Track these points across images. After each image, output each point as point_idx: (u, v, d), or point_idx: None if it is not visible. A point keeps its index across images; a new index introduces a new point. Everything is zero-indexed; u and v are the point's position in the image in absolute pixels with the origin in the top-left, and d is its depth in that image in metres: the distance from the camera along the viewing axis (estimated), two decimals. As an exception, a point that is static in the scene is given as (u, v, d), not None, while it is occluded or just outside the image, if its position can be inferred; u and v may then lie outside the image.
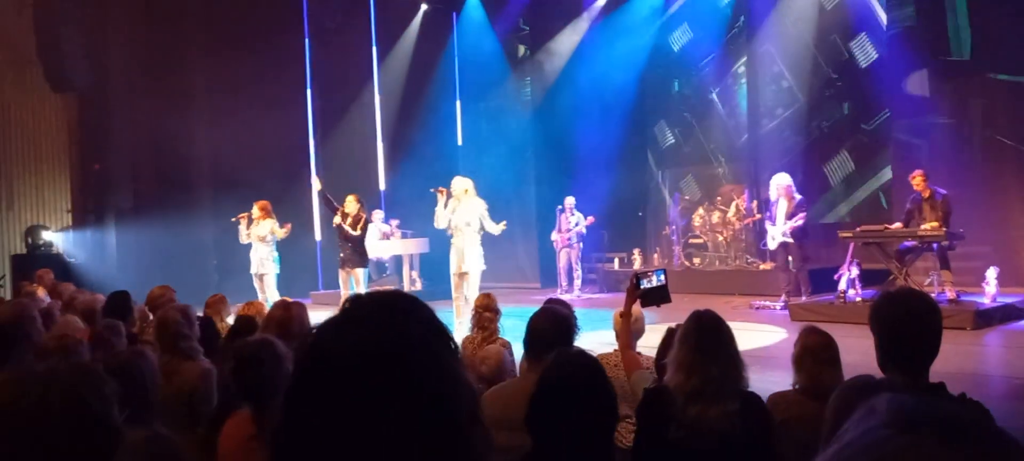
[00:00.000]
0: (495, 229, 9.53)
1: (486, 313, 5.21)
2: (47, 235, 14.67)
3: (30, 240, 14.57)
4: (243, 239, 11.29)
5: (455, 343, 1.03)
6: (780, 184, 10.85)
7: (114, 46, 15.18)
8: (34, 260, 13.17)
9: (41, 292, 7.89)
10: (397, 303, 1.02)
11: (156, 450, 2.73)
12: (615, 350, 4.42)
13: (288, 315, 4.19)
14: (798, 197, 10.84)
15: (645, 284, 3.96)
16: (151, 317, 5.69)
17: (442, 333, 1.02)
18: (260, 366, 2.91)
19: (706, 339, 2.93)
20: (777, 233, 10.85)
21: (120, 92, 15.31)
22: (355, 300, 1.04)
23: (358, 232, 10.42)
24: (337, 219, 10.54)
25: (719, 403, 2.81)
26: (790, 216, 10.70)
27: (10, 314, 3.71)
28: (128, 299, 5.87)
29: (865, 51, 13.19)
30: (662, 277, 3.96)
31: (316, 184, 10.74)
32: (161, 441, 2.81)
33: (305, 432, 0.94)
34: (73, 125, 15.34)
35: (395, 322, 0.98)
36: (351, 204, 10.52)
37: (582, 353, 2.53)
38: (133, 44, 15.25)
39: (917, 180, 9.79)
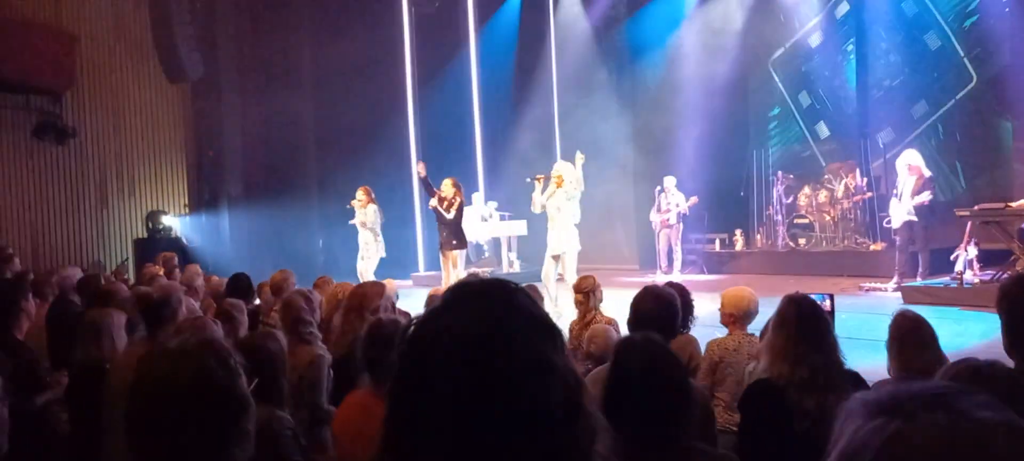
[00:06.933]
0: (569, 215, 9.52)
1: (577, 295, 5.28)
2: (166, 220, 15.44)
3: (150, 225, 15.37)
4: (360, 222, 11.63)
5: (557, 332, 1.02)
6: (909, 161, 10.45)
7: (224, 37, 15.80)
8: (155, 244, 13.89)
9: (161, 273, 8.28)
10: (494, 291, 1.02)
11: (274, 431, 2.84)
12: (730, 335, 4.35)
13: (361, 293, 4.44)
14: (928, 173, 10.43)
15: None
16: (275, 301, 5.93)
17: (540, 321, 1.01)
18: (389, 345, 2.98)
19: (806, 326, 2.85)
20: (902, 211, 10.43)
21: (230, 81, 15.95)
22: (456, 288, 1.05)
23: (451, 215, 10.57)
24: (433, 202, 10.75)
25: (836, 391, 2.74)
26: (916, 193, 10.28)
27: (160, 294, 4.00)
28: (248, 281, 6.15)
29: (983, 18, 12.47)
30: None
31: (421, 170, 10.97)
32: (282, 423, 2.92)
33: (407, 419, 0.97)
34: (188, 114, 16.07)
35: (489, 310, 0.99)
36: (447, 188, 10.71)
37: (647, 338, 2.45)
38: (241, 34, 15.85)
39: (1042, 154, 9.23)
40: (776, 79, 15.17)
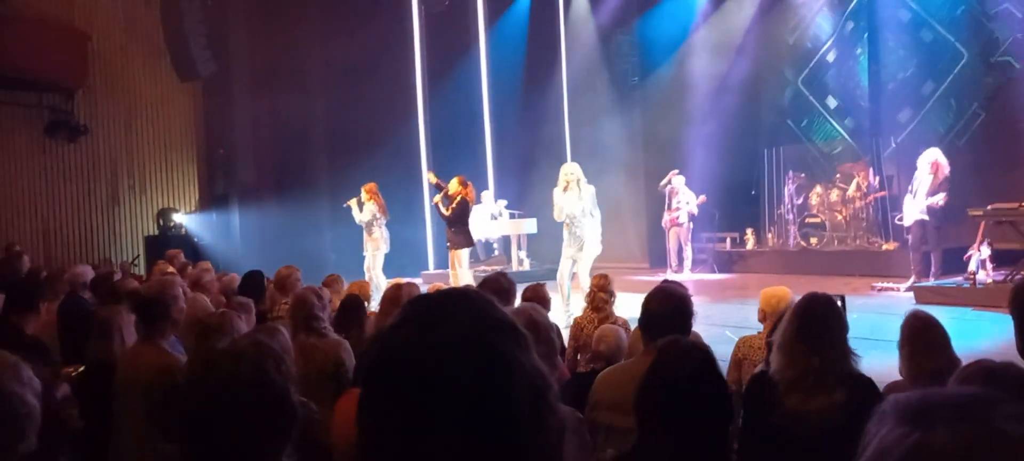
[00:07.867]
0: (597, 217, 9.48)
1: (600, 293, 5.28)
2: (177, 217, 15.51)
3: (161, 222, 15.45)
4: (359, 220, 11.62)
5: (521, 333, 1.02)
6: (932, 159, 10.32)
7: (234, 35, 15.85)
8: (166, 241, 13.95)
9: (170, 270, 8.30)
10: (453, 300, 1.04)
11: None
12: (759, 333, 4.36)
13: (398, 295, 4.33)
14: (946, 174, 10.34)
15: None
16: (280, 296, 5.94)
17: (502, 323, 1.02)
18: None
19: (811, 326, 2.83)
20: (915, 209, 10.34)
21: (241, 79, 16.00)
22: (414, 301, 1.07)
23: (449, 212, 10.50)
24: (436, 198, 10.74)
25: (820, 394, 2.73)
26: (932, 193, 10.19)
27: (156, 289, 3.97)
28: (262, 278, 6.16)
29: (1003, 19, 12.47)
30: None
31: (432, 179, 10.99)
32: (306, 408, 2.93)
33: (372, 430, 0.99)
34: (198, 112, 16.14)
35: (450, 318, 1.00)
36: (453, 185, 10.68)
37: (693, 344, 2.41)
38: (252, 33, 15.89)
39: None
40: (788, 76, 15.13)
